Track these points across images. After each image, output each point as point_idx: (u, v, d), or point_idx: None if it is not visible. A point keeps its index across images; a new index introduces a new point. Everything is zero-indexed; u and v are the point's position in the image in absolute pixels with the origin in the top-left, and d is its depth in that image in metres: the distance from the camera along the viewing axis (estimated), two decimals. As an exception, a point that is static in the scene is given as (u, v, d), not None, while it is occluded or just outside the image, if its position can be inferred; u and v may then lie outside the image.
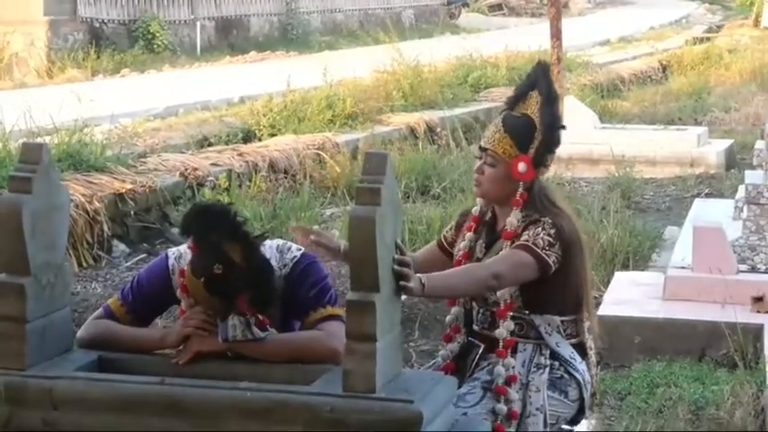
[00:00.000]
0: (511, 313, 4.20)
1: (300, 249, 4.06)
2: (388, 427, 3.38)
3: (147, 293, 4.05)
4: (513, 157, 4.20)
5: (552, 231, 4.15)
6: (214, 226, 3.77)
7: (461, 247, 4.35)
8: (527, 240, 4.13)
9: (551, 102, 4.23)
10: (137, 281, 4.10)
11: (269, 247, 4.00)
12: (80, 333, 4.03)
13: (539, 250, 4.11)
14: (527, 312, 4.23)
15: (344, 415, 3.42)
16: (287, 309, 3.99)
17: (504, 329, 4.19)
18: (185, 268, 3.87)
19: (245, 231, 3.81)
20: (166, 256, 4.06)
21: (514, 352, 4.23)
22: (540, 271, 4.12)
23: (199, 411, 3.53)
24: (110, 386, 3.63)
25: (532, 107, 4.23)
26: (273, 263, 3.95)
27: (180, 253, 4.02)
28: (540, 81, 4.25)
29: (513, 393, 4.16)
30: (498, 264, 4.11)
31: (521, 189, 4.20)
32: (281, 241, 4.09)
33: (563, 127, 4.27)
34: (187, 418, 3.53)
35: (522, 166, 4.18)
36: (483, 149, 4.27)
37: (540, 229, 4.15)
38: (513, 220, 4.20)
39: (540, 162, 4.22)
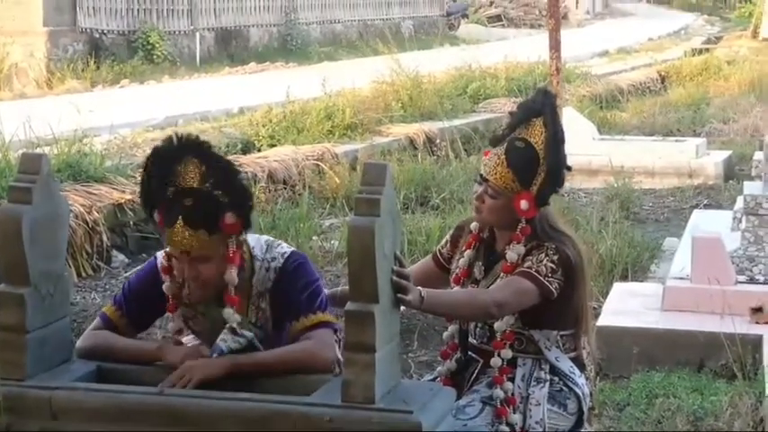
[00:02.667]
0: (508, 342, 4.20)
1: (291, 247, 4.11)
2: (387, 438, 3.39)
3: (139, 293, 4.08)
4: (516, 192, 4.15)
5: (555, 258, 4.12)
6: (164, 164, 3.86)
7: (460, 264, 4.33)
8: (530, 267, 4.11)
9: (558, 141, 4.15)
10: (128, 284, 4.15)
11: (256, 239, 4.05)
12: (79, 344, 4.05)
13: (541, 278, 4.09)
14: (526, 328, 4.22)
15: (343, 425, 3.42)
16: (279, 308, 3.99)
17: (499, 359, 4.18)
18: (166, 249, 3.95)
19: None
20: (155, 258, 4.11)
21: (514, 366, 4.22)
22: (542, 297, 4.10)
23: (198, 422, 3.54)
24: (109, 396, 3.63)
25: (536, 136, 4.15)
26: (257, 252, 3.99)
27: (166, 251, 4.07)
28: (546, 114, 4.16)
29: (514, 416, 4.15)
30: (500, 292, 4.08)
31: (522, 224, 4.17)
32: (270, 238, 4.13)
33: (569, 168, 4.22)
34: (186, 429, 3.54)
35: (524, 204, 4.13)
36: (484, 179, 4.22)
37: (543, 255, 4.13)
38: (513, 254, 4.16)
39: (542, 200, 4.17)
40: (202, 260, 3.87)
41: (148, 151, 4.01)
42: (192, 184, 3.85)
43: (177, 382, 3.77)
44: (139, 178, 4.01)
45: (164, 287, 4.01)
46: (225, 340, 3.83)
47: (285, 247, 4.09)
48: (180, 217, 3.82)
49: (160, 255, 4.09)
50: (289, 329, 3.98)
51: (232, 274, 3.92)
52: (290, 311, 3.98)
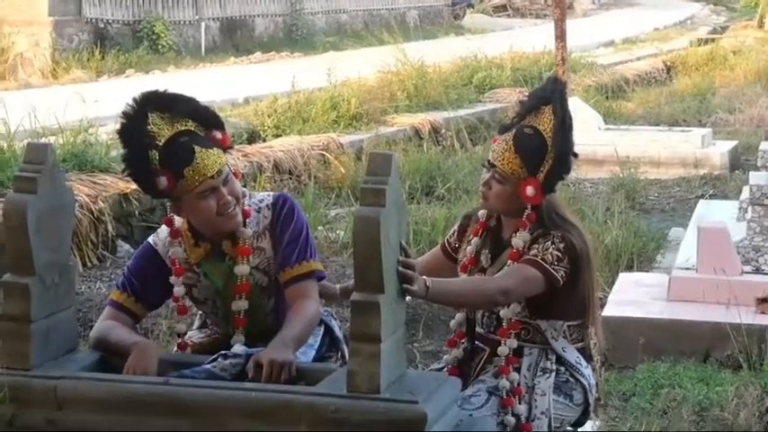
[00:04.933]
0: (513, 331, 4.19)
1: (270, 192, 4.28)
2: (392, 428, 3.38)
3: (140, 271, 4.14)
4: (522, 178, 4.15)
5: (561, 246, 4.12)
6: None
7: (467, 252, 4.32)
8: (536, 255, 4.10)
9: (565, 128, 4.14)
10: (127, 267, 4.22)
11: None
12: (90, 335, 4.11)
13: (547, 266, 4.08)
14: (533, 318, 4.22)
15: (348, 415, 3.42)
16: (276, 249, 4.09)
17: (506, 348, 4.18)
18: (174, 214, 4.08)
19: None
20: (147, 242, 4.22)
21: (520, 356, 4.22)
22: (548, 285, 4.10)
23: (203, 412, 3.54)
24: (114, 386, 3.63)
25: (545, 124, 4.16)
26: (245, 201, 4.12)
27: (157, 233, 4.20)
28: (555, 101, 4.16)
29: (520, 407, 4.15)
30: (506, 279, 4.09)
31: (528, 210, 4.16)
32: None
33: (575, 155, 4.21)
34: (191, 419, 3.54)
35: (530, 190, 4.13)
36: (491, 165, 4.23)
37: (549, 243, 4.12)
38: (519, 241, 4.16)
39: (549, 187, 4.16)
40: (229, 179, 4.01)
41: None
42: (171, 131, 3.95)
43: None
44: (123, 164, 4.05)
45: (171, 252, 4.08)
46: (215, 366, 3.83)
47: (265, 192, 4.27)
48: (194, 146, 3.92)
49: (151, 238, 4.20)
50: (280, 275, 4.08)
51: (246, 231, 4.06)
52: (282, 260, 4.07)
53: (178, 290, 4.10)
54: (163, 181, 3.93)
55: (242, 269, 4.06)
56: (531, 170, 4.14)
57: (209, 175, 3.94)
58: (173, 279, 4.10)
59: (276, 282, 4.10)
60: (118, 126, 4.03)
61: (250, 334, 4.09)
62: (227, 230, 4.06)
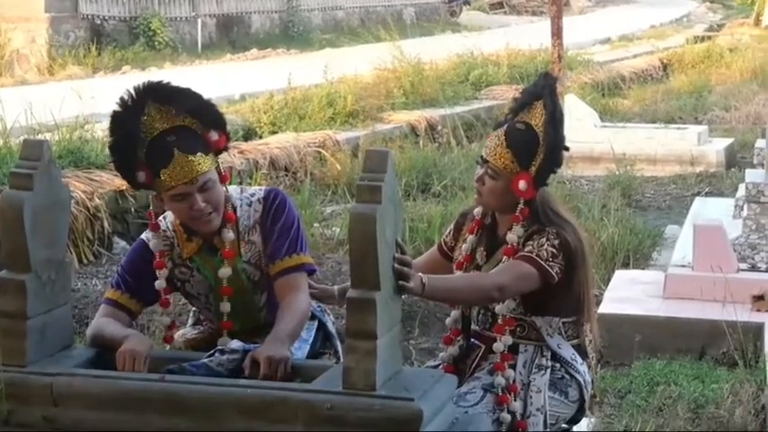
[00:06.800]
0: (509, 328, 4.20)
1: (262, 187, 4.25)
2: (387, 425, 3.38)
3: (133, 268, 4.13)
4: (514, 173, 4.16)
5: (556, 242, 4.12)
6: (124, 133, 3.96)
7: (463, 249, 4.33)
8: (531, 251, 4.11)
9: (556, 122, 4.15)
10: (121, 266, 4.21)
11: (231, 188, 4.14)
12: (87, 332, 4.10)
13: (542, 262, 4.09)
14: (528, 314, 4.22)
15: (344, 412, 3.42)
16: (266, 242, 4.08)
17: (501, 344, 4.18)
18: (155, 212, 4.06)
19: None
20: (141, 238, 4.21)
21: (516, 353, 4.22)
22: (543, 282, 4.10)
23: (199, 408, 3.53)
24: (110, 383, 3.63)
25: (537, 119, 4.17)
26: (235, 196, 4.11)
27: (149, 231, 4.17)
28: (545, 96, 4.18)
29: (515, 404, 4.16)
30: (501, 275, 4.09)
31: (521, 205, 4.18)
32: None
33: (566, 148, 4.23)
34: (187, 415, 3.54)
35: (522, 185, 4.14)
36: (484, 161, 4.24)
37: (543, 239, 4.12)
38: (513, 236, 4.16)
39: (541, 181, 4.17)
40: (208, 186, 3.97)
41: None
42: (165, 125, 3.94)
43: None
44: (108, 150, 4.04)
45: (150, 245, 4.08)
46: (212, 360, 3.82)
47: (257, 187, 4.25)
48: (174, 149, 3.90)
49: (143, 235, 4.19)
50: (270, 268, 4.08)
51: (228, 234, 4.03)
52: (272, 252, 4.07)
53: (159, 283, 4.09)
54: (142, 176, 3.95)
55: (224, 272, 4.05)
56: (522, 164, 4.15)
57: (182, 181, 3.92)
58: (159, 272, 4.09)
59: (268, 276, 4.10)
60: (111, 116, 4.01)
61: (244, 329, 4.09)
62: (203, 232, 4.06)
